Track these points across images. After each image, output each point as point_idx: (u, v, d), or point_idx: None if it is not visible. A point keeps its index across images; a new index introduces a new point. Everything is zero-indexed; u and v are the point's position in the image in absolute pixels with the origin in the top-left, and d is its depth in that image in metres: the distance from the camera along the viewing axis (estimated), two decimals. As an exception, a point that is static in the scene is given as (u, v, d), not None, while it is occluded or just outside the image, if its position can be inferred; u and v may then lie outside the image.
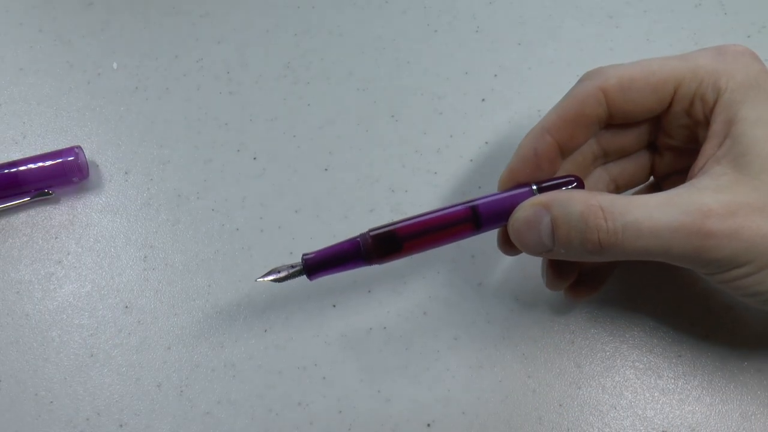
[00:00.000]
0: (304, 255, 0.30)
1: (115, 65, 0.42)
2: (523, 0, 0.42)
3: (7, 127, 0.40)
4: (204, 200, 0.37)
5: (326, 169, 0.38)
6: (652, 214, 0.26)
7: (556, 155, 0.30)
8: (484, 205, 0.29)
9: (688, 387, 0.32)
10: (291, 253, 0.36)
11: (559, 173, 0.31)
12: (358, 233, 0.30)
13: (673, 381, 0.32)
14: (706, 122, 0.28)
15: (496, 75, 0.40)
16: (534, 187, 0.29)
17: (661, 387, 0.32)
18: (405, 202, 0.37)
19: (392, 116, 0.39)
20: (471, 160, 0.38)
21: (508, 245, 0.30)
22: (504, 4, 0.42)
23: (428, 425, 0.32)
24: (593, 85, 0.29)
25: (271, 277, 0.31)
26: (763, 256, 0.26)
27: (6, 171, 0.37)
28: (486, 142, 0.38)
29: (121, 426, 0.33)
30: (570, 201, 0.27)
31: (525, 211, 0.28)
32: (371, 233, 0.30)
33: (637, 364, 0.33)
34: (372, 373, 0.33)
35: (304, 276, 0.31)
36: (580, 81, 0.30)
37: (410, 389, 0.33)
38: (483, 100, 0.39)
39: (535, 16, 0.42)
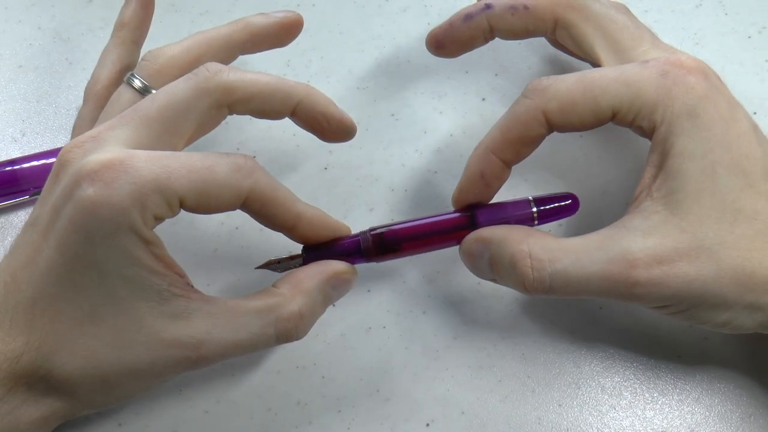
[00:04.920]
0: (304, 247, 0.31)
1: (114, 63, 0.41)
2: None
3: (6, 125, 0.40)
4: (203, 199, 0.37)
5: (326, 169, 0.38)
6: (580, 262, 0.27)
7: (502, 171, 0.30)
8: (482, 214, 0.31)
9: (688, 388, 0.32)
10: (290, 253, 0.36)
11: None
12: (359, 231, 0.31)
13: (672, 381, 0.32)
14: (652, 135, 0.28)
15: (496, 74, 0.40)
16: (530, 198, 0.31)
17: (661, 387, 0.32)
18: (405, 202, 0.37)
19: (392, 116, 0.39)
20: (471, 160, 0.38)
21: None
22: (504, 3, 0.42)
23: (427, 425, 0.32)
24: (534, 107, 0.29)
25: (270, 267, 0.32)
26: (688, 300, 0.27)
27: (5, 169, 0.37)
28: (486, 142, 0.38)
29: (120, 425, 0.32)
30: (505, 242, 0.28)
31: (469, 244, 0.30)
32: (372, 233, 0.31)
33: (636, 364, 0.33)
34: (371, 373, 0.33)
35: None
36: (522, 98, 0.30)
37: (409, 389, 0.33)
38: (483, 99, 0.39)
39: (535, 16, 0.42)
